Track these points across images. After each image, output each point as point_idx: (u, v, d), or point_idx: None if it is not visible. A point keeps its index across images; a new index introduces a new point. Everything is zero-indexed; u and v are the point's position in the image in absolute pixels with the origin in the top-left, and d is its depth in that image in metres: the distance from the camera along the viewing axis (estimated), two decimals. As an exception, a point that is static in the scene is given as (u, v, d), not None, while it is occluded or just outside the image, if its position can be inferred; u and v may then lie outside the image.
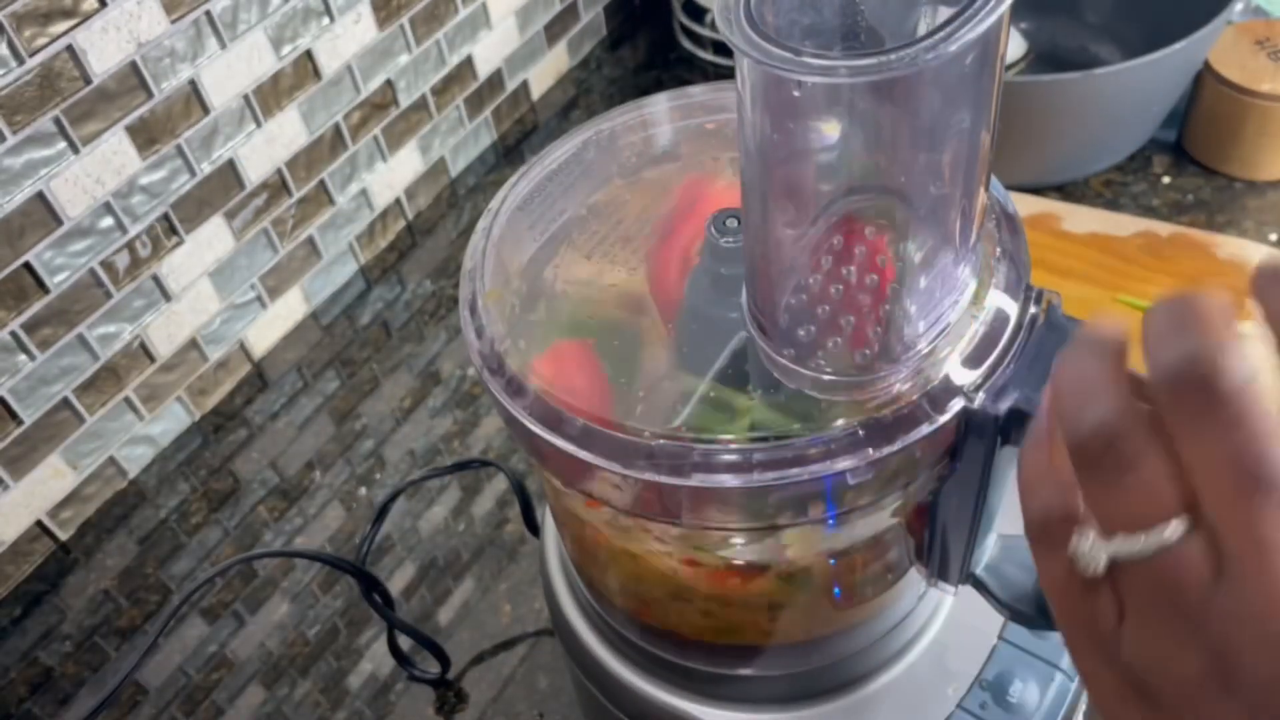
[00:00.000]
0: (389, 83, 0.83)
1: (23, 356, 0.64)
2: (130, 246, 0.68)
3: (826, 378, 0.32)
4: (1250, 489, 0.21)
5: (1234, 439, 0.22)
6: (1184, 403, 0.22)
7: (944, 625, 0.45)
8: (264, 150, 0.75)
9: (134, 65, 0.64)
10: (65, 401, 0.67)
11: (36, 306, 0.64)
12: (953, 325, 0.33)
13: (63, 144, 0.62)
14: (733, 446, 0.32)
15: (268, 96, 0.73)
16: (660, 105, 0.44)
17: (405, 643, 0.61)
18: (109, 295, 0.68)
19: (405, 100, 0.85)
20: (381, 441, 0.74)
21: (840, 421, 0.32)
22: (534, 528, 0.63)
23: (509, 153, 0.96)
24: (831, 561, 0.39)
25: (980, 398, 0.32)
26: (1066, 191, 0.82)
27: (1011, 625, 0.44)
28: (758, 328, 0.34)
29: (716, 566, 0.38)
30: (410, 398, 0.76)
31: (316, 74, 0.76)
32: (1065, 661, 0.44)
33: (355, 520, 0.69)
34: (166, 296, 0.72)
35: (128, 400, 0.72)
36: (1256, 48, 0.78)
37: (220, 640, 0.64)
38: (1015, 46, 0.90)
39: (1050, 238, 0.76)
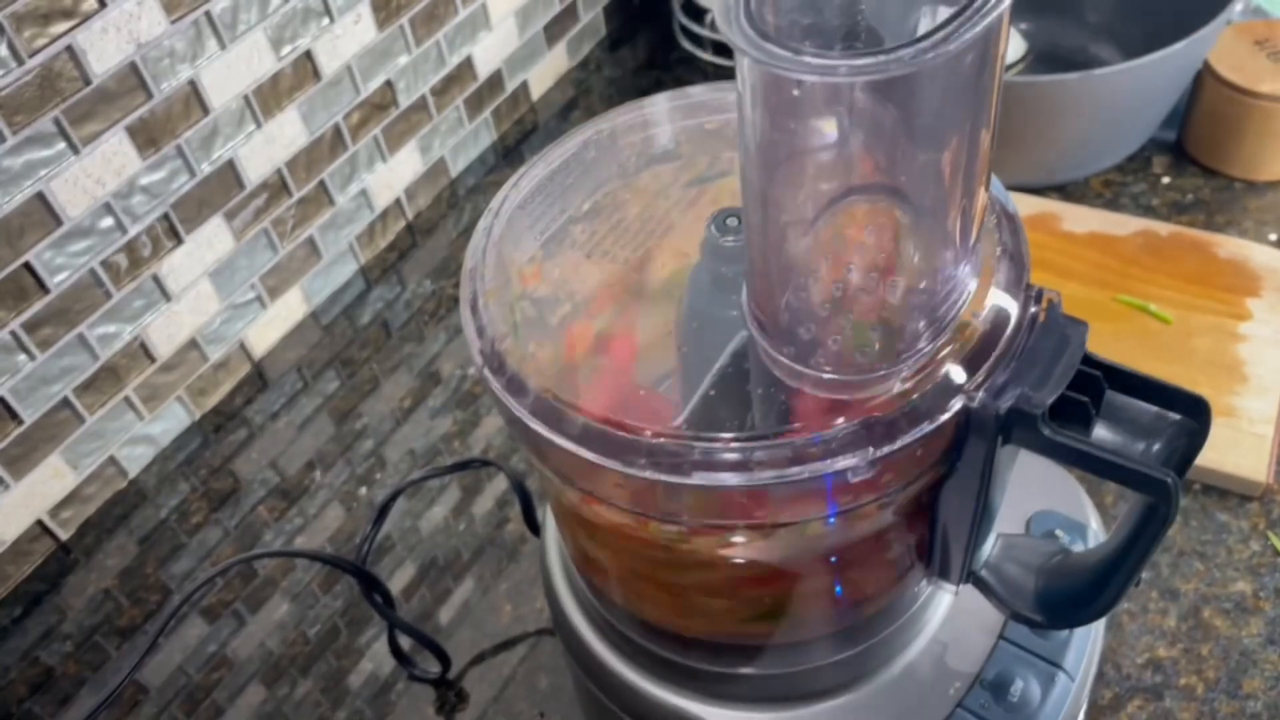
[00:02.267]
0: (389, 83, 0.83)
1: (23, 356, 0.64)
2: (130, 247, 0.68)
3: (827, 376, 0.32)
4: None
5: None
6: None
7: (944, 624, 0.45)
8: (264, 150, 0.75)
9: (134, 66, 0.64)
10: (65, 401, 0.67)
11: (36, 306, 0.64)
12: (953, 325, 0.33)
13: (62, 144, 0.62)
14: (733, 445, 0.32)
15: (267, 97, 0.73)
16: (660, 105, 0.44)
17: (405, 642, 0.61)
18: (109, 295, 0.68)
19: (405, 101, 0.85)
20: (381, 441, 0.74)
21: (840, 420, 0.32)
22: (534, 527, 0.63)
23: (509, 153, 0.96)
24: (832, 560, 0.39)
25: (980, 397, 0.32)
26: (1066, 191, 0.82)
27: (1012, 624, 0.44)
28: (758, 327, 0.34)
29: (716, 565, 0.38)
30: (410, 398, 0.76)
31: (316, 74, 0.76)
32: (1067, 661, 0.44)
33: (355, 520, 0.69)
34: (166, 296, 0.72)
35: (128, 400, 0.72)
36: (1256, 48, 0.78)
37: (220, 640, 0.64)
38: (1015, 47, 0.90)
39: (1050, 238, 0.76)
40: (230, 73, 0.70)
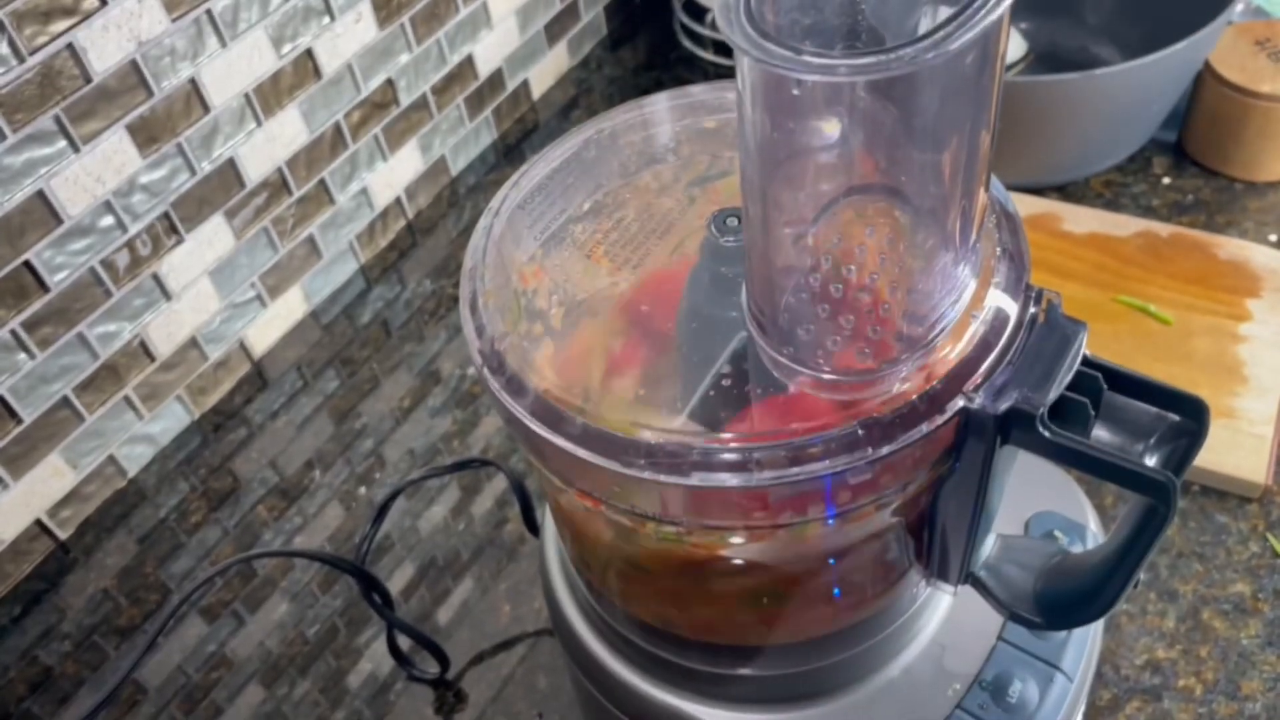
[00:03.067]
0: (389, 82, 0.83)
1: (22, 355, 0.64)
2: (130, 245, 0.68)
3: (826, 377, 0.32)
4: None
5: None
6: None
7: (943, 625, 0.45)
8: (264, 149, 0.75)
9: (134, 64, 0.64)
10: (65, 400, 0.67)
11: (36, 305, 0.64)
12: (952, 325, 0.33)
13: (63, 142, 0.62)
14: (733, 445, 0.32)
15: (268, 95, 0.73)
16: (660, 105, 0.44)
17: (405, 642, 0.61)
18: (109, 294, 0.68)
19: (406, 99, 0.85)
20: (381, 441, 0.74)
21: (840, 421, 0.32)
22: (534, 527, 0.63)
23: (509, 152, 0.96)
24: (831, 561, 0.39)
25: (979, 398, 0.32)
26: (1066, 191, 0.82)
27: (1011, 625, 0.44)
28: (758, 327, 0.34)
29: (716, 566, 0.38)
30: (410, 397, 0.76)
31: (317, 73, 0.76)
32: (1065, 662, 0.44)
33: (355, 520, 0.69)
34: (166, 295, 0.72)
35: (127, 399, 0.72)
36: (1256, 48, 0.78)
37: (220, 640, 0.64)
38: (1015, 47, 0.90)
39: (1050, 238, 0.76)
40: (231, 71, 0.70)
